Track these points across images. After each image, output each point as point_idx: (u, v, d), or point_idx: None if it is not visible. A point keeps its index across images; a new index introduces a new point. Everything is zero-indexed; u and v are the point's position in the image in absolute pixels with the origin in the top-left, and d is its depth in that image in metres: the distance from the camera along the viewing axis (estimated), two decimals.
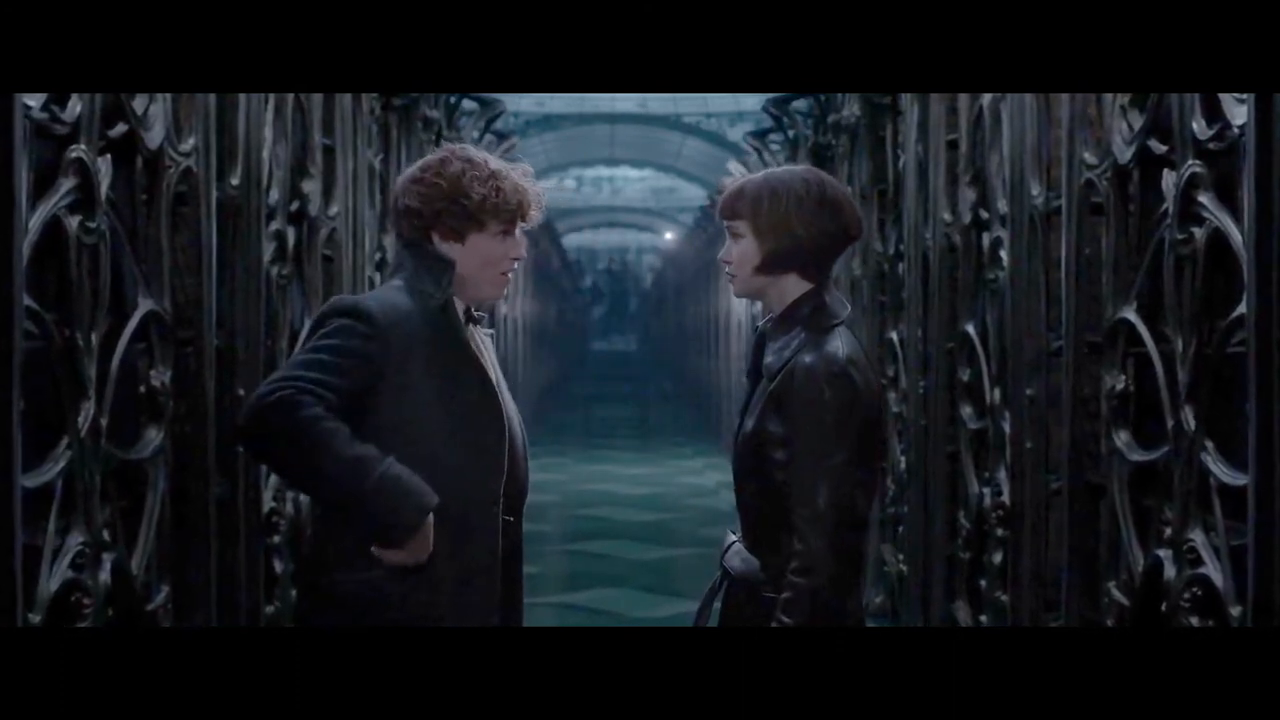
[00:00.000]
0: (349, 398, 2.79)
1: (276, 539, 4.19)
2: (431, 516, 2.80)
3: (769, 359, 2.73)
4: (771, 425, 2.67)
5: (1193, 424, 2.96)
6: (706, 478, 14.80)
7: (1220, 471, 2.87)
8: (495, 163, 3.00)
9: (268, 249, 4.05)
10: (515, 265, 3.02)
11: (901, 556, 5.66)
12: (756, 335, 2.83)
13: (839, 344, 2.66)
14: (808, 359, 2.64)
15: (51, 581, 2.75)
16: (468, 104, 8.31)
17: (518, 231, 3.02)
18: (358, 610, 2.87)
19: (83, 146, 2.81)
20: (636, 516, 11.74)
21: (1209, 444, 2.92)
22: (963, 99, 4.79)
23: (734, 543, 2.82)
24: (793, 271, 2.75)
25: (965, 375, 4.80)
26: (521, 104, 20.36)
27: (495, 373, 3.03)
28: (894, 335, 5.77)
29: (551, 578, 8.44)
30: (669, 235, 22.79)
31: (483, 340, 3.04)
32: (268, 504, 4.09)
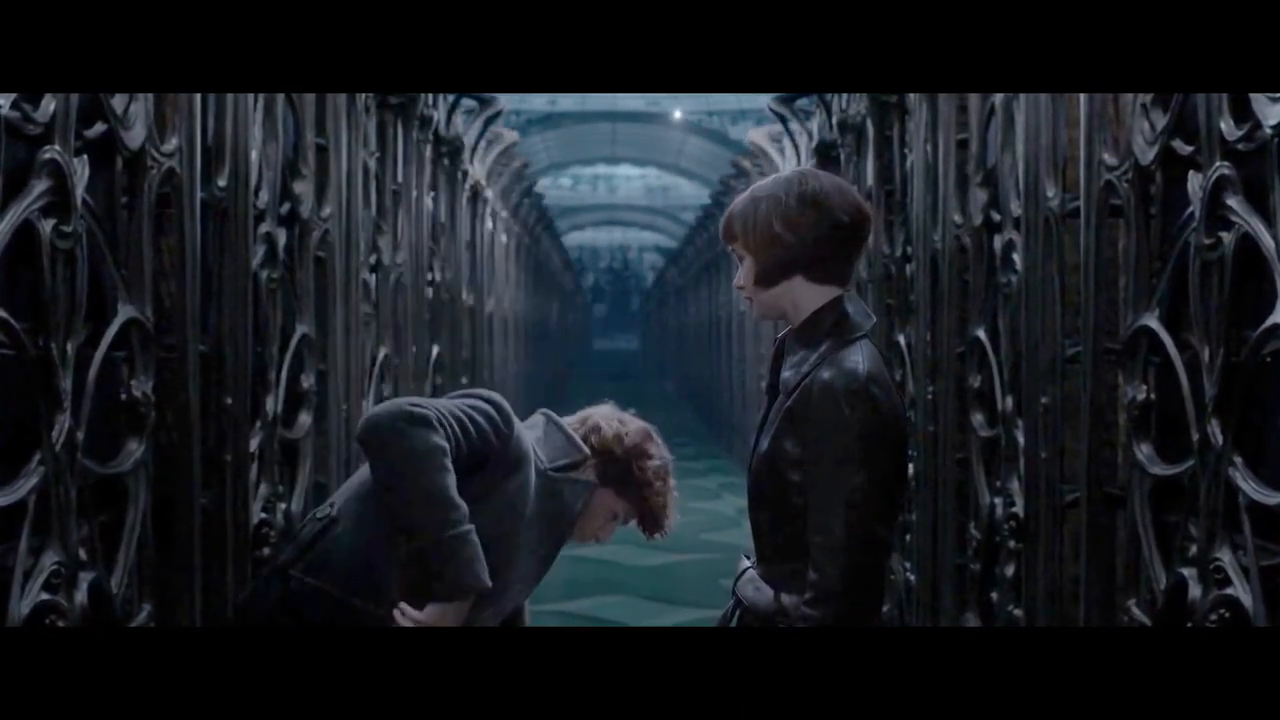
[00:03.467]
0: (457, 461, 3.02)
1: (266, 551, 4.05)
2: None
3: (786, 373, 2.58)
4: (788, 444, 2.52)
5: (1220, 438, 2.83)
6: (709, 480, 14.68)
7: (1250, 488, 2.74)
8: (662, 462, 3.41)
9: (257, 252, 3.93)
10: (603, 537, 3.40)
11: (909, 565, 5.53)
12: (774, 348, 2.70)
13: (860, 358, 2.51)
14: (826, 375, 2.50)
15: (23, 604, 2.63)
16: (466, 102, 8.19)
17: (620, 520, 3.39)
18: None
19: (57, 147, 2.68)
20: None
21: (1238, 459, 2.79)
22: (973, 96, 4.66)
23: (747, 568, 2.68)
24: (796, 276, 2.61)
25: (976, 382, 4.67)
26: (531, 102, 20.27)
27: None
28: (901, 339, 5.63)
29: (549, 584, 8.26)
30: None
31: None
32: (257, 515, 3.96)
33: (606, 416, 3.44)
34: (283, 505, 4.13)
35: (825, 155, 7.04)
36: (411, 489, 2.95)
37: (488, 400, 3.17)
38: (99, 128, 2.96)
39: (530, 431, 3.33)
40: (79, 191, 2.76)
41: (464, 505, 2.97)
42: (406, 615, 2.96)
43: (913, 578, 5.39)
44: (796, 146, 8.52)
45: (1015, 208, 4.18)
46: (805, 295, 2.61)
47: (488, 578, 2.98)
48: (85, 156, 2.80)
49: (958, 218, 4.81)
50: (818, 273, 2.59)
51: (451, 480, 2.96)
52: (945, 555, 4.99)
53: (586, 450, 3.33)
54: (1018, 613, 4.21)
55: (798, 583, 2.48)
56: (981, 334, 4.58)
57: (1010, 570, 4.29)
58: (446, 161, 7.81)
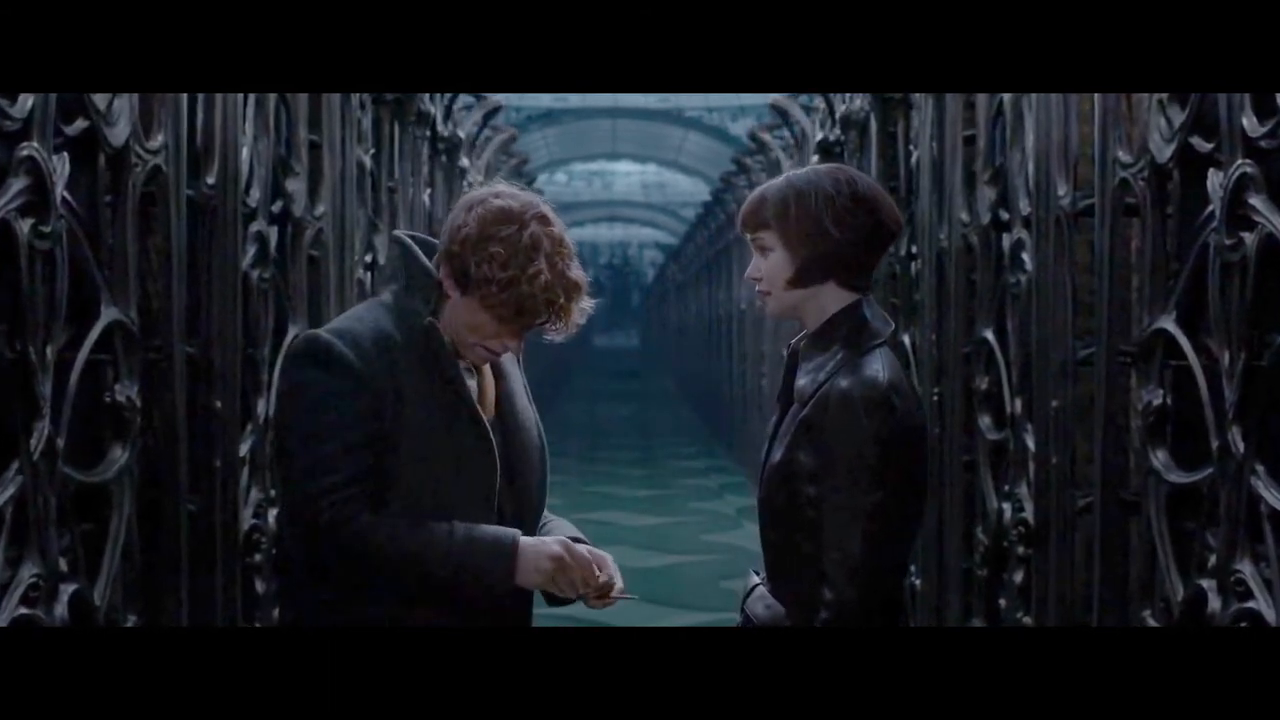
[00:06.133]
0: (371, 462, 2.55)
1: (257, 557, 3.96)
2: (530, 544, 2.58)
3: (801, 381, 2.46)
4: (802, 456, 2.40)
5: (1241, 445, 2.73)
6: (710, 480, 14.59)
7: (1273, 497, 2.64)
8: (546, 260, 2.57)
9: (248, 251, 3.83)
10: (496, 349, 2.67)
11: (914, 570, 5.43)
12: (788, 354, 2.58)
13: (879, 367, 2.39)
14: (844, 383, 2.38)
15: (0, 617, 2.54)
16: (464, 97, 8.10)
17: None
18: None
19: (35, 144, 2.59)
20: (639, 521, 11.49)
21: (1259, 467, 2.70)
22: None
23: (757, 585, 2.56)
24: (831, 280, 2.48)
25: (983, 383, 4.58)
26: (534, 97, 20.19)
27: (514, 392, 2.78)
28: (906, 339, 5.54)
29: None
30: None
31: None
32: (248, 521, 3.87)
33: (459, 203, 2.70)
34: (275, 510, 4.03)
35: (828, 153, 6.94)
36: (384, 578, 2.56)
37: (312, 363, 2.56)
38: (80, 124, 2.87)
39: (384, 291, 2.70)
40: (59, 190, 2.67)
41: (427, 532, 2.54)
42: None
43: (918, 583, 5.30)
44: (799, 144, 8.42)
45: (1024, 206, 4.08)
46: (831, 299, 2.49)
47: (511, 536, 2.58)
48: (65, 154, 2.71)
49: (964, 216, 4.72)
50: (850, 277, 2.48)
51: (396, 534, 2.52)
52: (951, 560, 4.90)
53: (435, 272, 2.65)
54: (1026, 620, 4.11)
55: (811, 600, 2.37)
56: (989, 335, 4.48)
57: (1019, 577, 4.20)
58: (444, 158, 7.71)
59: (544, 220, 2.60)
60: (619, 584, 2.65)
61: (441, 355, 2.63)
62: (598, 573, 2.61)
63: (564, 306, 2.59)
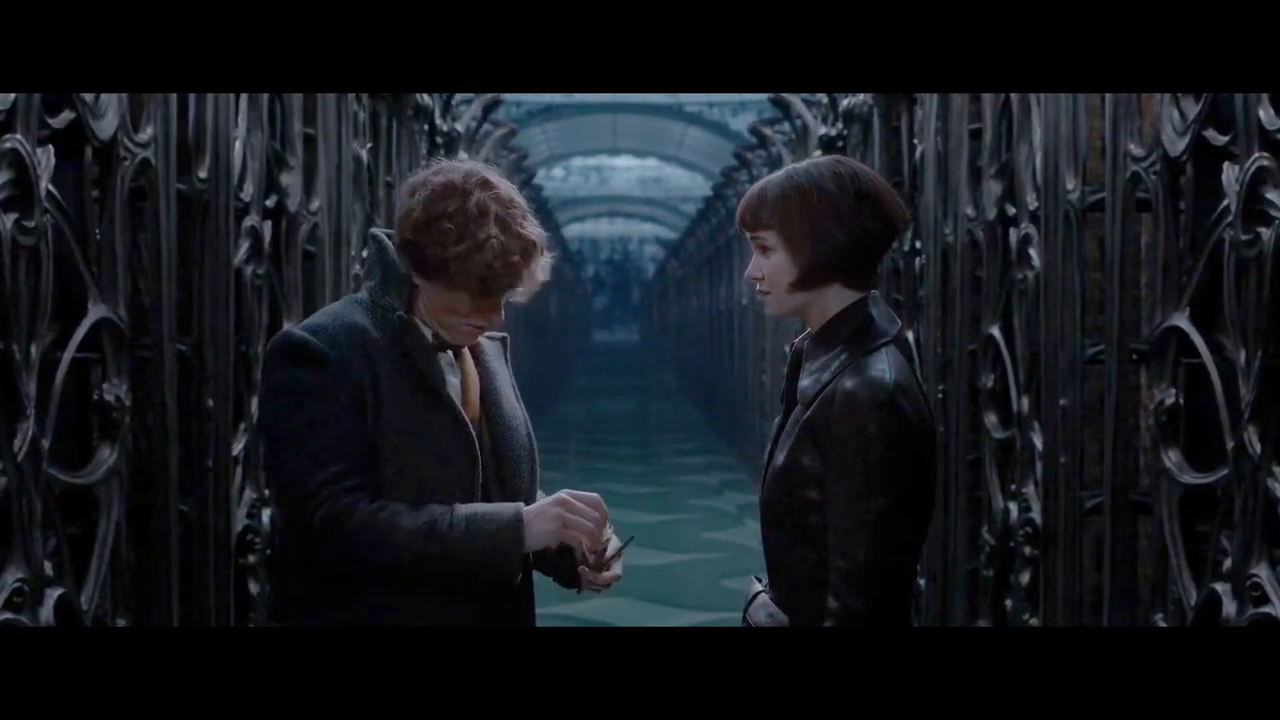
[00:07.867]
0: (364, 447, 2.51)
1: (251, 559, 3.89)
2: (533, 507, 2.57)
3: (805, 382, 2.38)
4: (806, 460, 2.32)
5: (1258, 446, 2.66)
6: (711, 477, 14.53)
7: None
8: (498, 225, 2.54)
9: (241, 247, 3.76)
10: (487, 327, 2.65)
11: (919, 570, 5.37)
12: (791, 354, 2.50)
13: (885, 367, 2.31)
14: (849, 384, 2.29)
15: None
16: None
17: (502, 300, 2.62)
18: None
19: (18, 136, 2.52)
20: (639, 519, 11.44)
21: (1276, 469, 2.63)
22: None
23: (760, 593, 2.48)
24: (836, 281, 2.41)
25: (989, 381, 4.51)
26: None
27: (501, 391, 2.72)
28: (910, 336, 5.47)
29: (546, 586, 8.12)
30: None
31: (473, 354, 2.72)
32: (241, 522, 3.80)
33: (403, 189, 2.65)
34: (268, 510, 3.97)
35: (830, 148, 6.88)
36: (391, 566, 2.49)
37: (288, 359, 2.53)
38: (66, 116, 2.80)
39: (361, 289, 2.66)
40: (43, 184, 2.60)
41: (426, 515, 2.48)
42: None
43: (922, 583, 5.24)
44: (801, 138, 8.36)
45: (1032, 201, 4.02)
46: (836, 299, 2.41)
47: (515, 505, 2.55)
48: (50, 147, 2.65)
49: (970, 211, 4.65)
50: (855, 275, 2.40)
51: (398, 519, 2.47)
52: (956, 561, 4.84)
53: (405, 269, 2.61)
54: (1033, 622, 4.05)
55: (815, 609, 2.29)
56: (995, 331, 4.41)
57: (1026, 578, 4.14)
58: (442, 152, 7.64)
59: (486, 185, 2.57)
60: (614, 539, 2.68)
61: (419, 351, 2.59)
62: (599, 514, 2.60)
63: (522, 264, 2.57)
